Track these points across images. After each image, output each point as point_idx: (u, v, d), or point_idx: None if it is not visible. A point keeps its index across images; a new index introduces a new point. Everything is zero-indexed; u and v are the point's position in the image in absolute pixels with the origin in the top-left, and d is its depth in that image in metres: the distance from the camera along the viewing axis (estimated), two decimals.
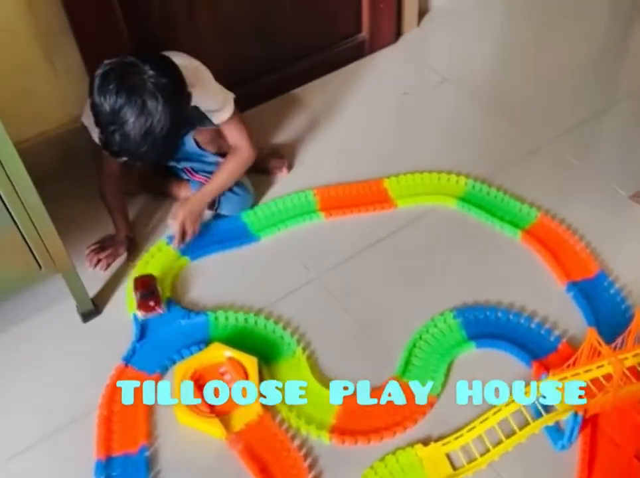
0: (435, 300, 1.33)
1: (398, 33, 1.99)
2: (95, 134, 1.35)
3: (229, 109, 1.37)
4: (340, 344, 1.28)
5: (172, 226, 1.39)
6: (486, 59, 1.95)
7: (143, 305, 1.29)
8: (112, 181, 1.42)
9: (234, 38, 1.66)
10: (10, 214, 1.08)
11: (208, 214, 1.48)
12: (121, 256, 1.42)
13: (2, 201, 1.06)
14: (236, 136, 1.41)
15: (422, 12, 2.05)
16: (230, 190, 1.45)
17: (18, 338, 1.29)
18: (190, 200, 1.41)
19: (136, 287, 1.31)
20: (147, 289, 1.30)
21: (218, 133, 1.44)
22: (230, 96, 1.39)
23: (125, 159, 1.23)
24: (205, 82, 1.34)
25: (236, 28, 1.64)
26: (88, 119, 1.32)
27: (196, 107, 1.32)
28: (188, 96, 1.24)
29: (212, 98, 1.35)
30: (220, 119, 1.37)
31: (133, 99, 1.15)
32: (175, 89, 1.20)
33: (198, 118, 1.37)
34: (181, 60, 1.27)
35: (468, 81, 1.85)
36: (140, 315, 1.29)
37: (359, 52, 1.92)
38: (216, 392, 1.17)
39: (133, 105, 1.15)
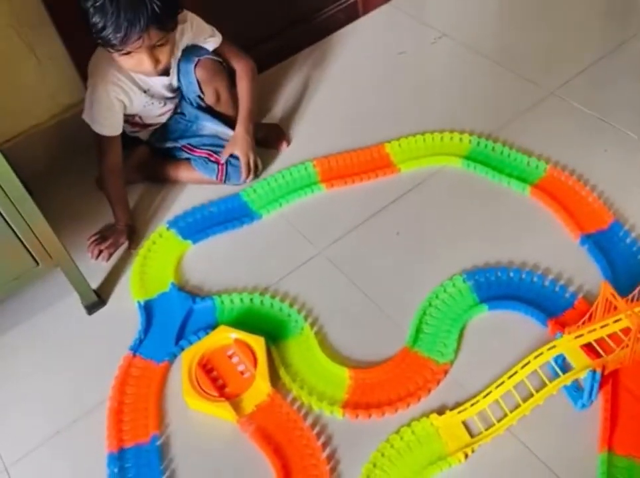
0: (444, 264, 1.29)
1: None
2: (97, 126, 1.35)
3: (219, 34, 1.43)
4: (349, 317, 1.25)
5: (242, 160, 1.44)
6: (485, 11, 1.87)
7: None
8: (115, 172, 1.40)
9: (220, 9, 1.60)
10: None
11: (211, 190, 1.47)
12: (122, 245, 1.40)
13: None
14: (234, 52, 1.46)
15: None
16: (235, 158, 1.45)
17: (25, 336, 1.28)
18: (238, 135, 1.45)
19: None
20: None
21: (214, 68, 1.42)
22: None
23: (125, 32, 1.20)
24: (193, 17, 1.40)
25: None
26: (89, 113, 1.36)
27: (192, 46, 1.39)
28: None
29: (204, 27, 1.42)
30: (217, 42, 1.42)
31: None
32: None
33: (196, 50, 1.40)
34: None
35: (467, 35, 1.78)
36: None
37: (352, 15, 1.86)
38: (225, 376, 1.15)
39: None
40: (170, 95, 1.46)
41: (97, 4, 1.18)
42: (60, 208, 1.42)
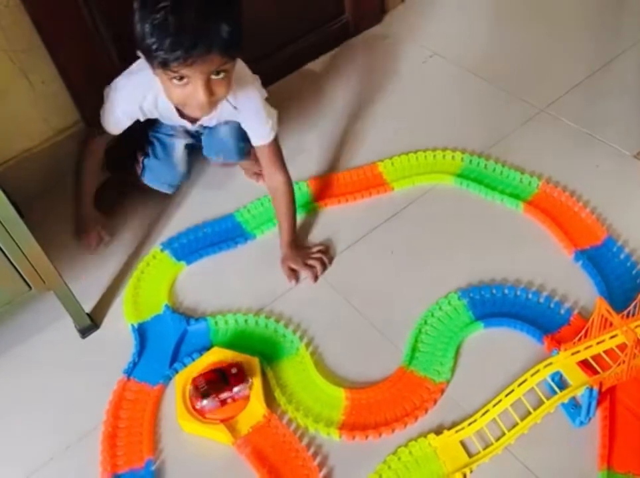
0: (439, 282, 1.28)
1: (383, 11, 1.94)
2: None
3: (273, 130, 1.29)
4: (344, 337, 1.24)
5: (305, 274, 1.33)
6: (475, 30, 1.89)
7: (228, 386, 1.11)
8: (94, 159, 1.37)
9: None
10: None
11: None
12: (107, 227, 1.43)
13: None
14: (279, 158, 1.32)
15: None
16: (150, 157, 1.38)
17: (17, 360, 1.27)
18: (288, 255, 1.35)
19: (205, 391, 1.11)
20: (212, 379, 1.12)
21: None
22: (274, 115, 1.31)
23: (186, 50, 1.04)
24: (258, 89, 1.28)
25: None
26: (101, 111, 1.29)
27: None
28: None
29: (268, 109, 1.28)
30: (271, 136, 1.29)
31: None
32: None
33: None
34: None
35: (458, 54, 1.79)
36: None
37: (344, 34, 1.87)
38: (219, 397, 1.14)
39: None
40: (191, 140, 1.40)
41: (158, 20, 1.03)
42: (53, 232, 1.41)
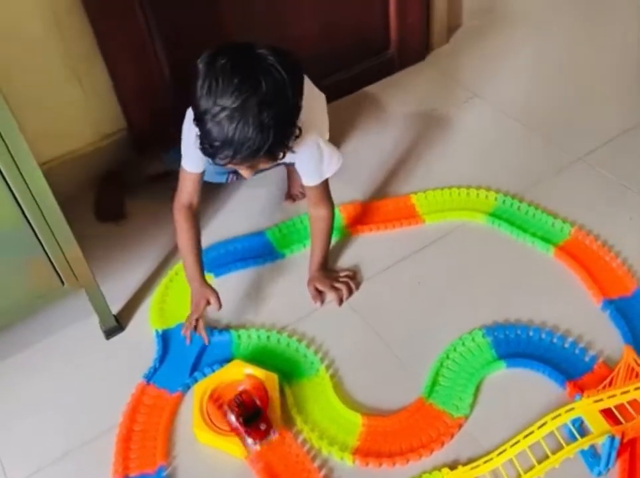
0: (464, 318, 1.28)
1: (427, 49, 1.97)
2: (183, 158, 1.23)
3: (328, 171, 1.27)
4: (365, 363, 1.24)
5: (331, 297, 1.33)
6: (517, 75, 1.92)
7: (251, 432, 1.10)
8: (182, 213, 1.27)
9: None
10: (34, 232, 1.09)
11: None
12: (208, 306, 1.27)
13: (28, 221, 1.06)
14: (326, 193, 1.31)
15: (452, 29, 2.03)
16: None
17: (42, 354, 1.29)
18: (317, 276, 1.35)
19: (231, 408, 1.12)
20: (250, 409, 1.11)
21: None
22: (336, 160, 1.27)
23: (225, 156, 1.05)
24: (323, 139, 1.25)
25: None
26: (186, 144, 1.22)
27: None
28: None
29: (315, 156, 1.23)
30: (312, 182, 1.27)
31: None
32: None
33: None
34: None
35: (498, 97, 1.82)
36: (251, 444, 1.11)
37: (388, 69, 1.91)
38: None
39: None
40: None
41: (214, 114, 1.02)
42: (89, 232, 1.44)
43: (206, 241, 1.47)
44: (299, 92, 1.08)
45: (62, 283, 1.18)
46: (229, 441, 1.10)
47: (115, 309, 1.33)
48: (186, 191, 1.27)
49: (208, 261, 1.42)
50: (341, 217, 1.50)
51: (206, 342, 1.26)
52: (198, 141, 1.07)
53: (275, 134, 1.03)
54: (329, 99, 1.82)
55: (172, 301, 1.36)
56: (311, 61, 1.72)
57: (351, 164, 1.64)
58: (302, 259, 1.42)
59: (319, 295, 1.34)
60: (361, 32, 1.80)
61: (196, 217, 1.29)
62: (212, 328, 1.30)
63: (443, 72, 1.91)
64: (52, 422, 1.19)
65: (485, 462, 1.05)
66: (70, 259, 1.15)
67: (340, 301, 1.33)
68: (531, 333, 1.25)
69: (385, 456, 1.09)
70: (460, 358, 1.22)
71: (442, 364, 1.21)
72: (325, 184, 1.30)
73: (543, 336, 1.24)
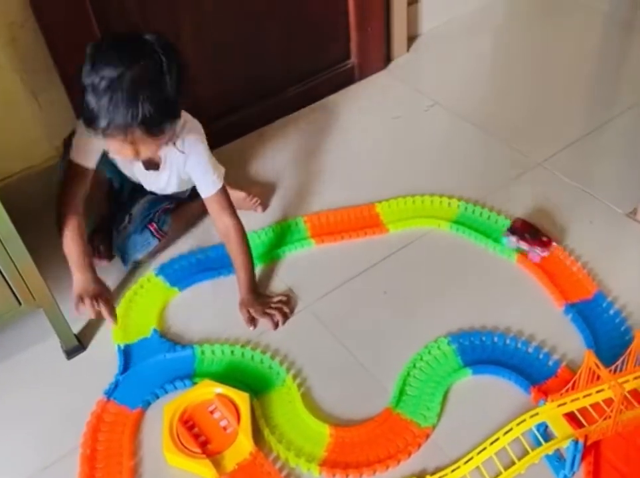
0: (430, 326, 1.29)
1: (388, 59, 1.98)
2: (71, 151, 1.25)
3: (220, 179, 1.30)
4: (332, 373, 1.23)
5: (265, 322, 1.31)
6: (477, 82, 1.94)
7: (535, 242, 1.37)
8: (71, 213, 1.28)
9: (221, 68, 1.65)
10: None
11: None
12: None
13: None
14: (228, 203, 1.32)
15: (411, 38, 2.05)
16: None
17: (0, 377, 1.25)
18: (247, 301, 1.32)
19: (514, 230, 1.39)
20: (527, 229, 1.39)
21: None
22: (222, 170, 1.32)
23: (102, 124, 1.09)
24: (201, 140, 1.28)
25: (223, 58, 1.64)
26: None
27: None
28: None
29: (210, 160, 1.29)
30: (217, 187, 1.30)
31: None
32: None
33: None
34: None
35: (459, 104, 1.84)
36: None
37: (349, 79, 1.91)
38: (207, 432, 1.13)
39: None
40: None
41: (94, 86, 1.08)
42: (48, 251, 1.40)
43: (170, 254, 1.46)
44: (177, 80, 1.13)
45: (19, 302, 1.15)
46: (200, 464, 1.08)
47: (76, 328, 1.30)
48: (76, 187, 1.28)
49: (173, 275, 1.41)
50: (305, 227, 1.49)
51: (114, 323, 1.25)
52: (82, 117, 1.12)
53: (150, 109, 1.09)
54: (291, 110, 1.83)
55: (135, 316, 1.34)
56: (270, 73, 1.74)
57: (314, 174, 1.65)
58: (268, 270, 1.42)
59: (253, 320, 1.31)
60: (321, 42, 1.81)
61: (81, 214, 1.31)
62: (174, 343, 1.28)
63: (403, 81, 1.93)
64: (12, 446, 1.15)
65: (453, 470, 1.05)
66: (25, 276, 1.12)
67: (276, 326, 1.31)
68: (495, 339, 1.25)
69: (352, 467, 1.09)
70: (427, 366, 1.22)
71: (409, 373, 1.21)
72: (224, 194, 1.31)
73: (507, 342, 1.25)
